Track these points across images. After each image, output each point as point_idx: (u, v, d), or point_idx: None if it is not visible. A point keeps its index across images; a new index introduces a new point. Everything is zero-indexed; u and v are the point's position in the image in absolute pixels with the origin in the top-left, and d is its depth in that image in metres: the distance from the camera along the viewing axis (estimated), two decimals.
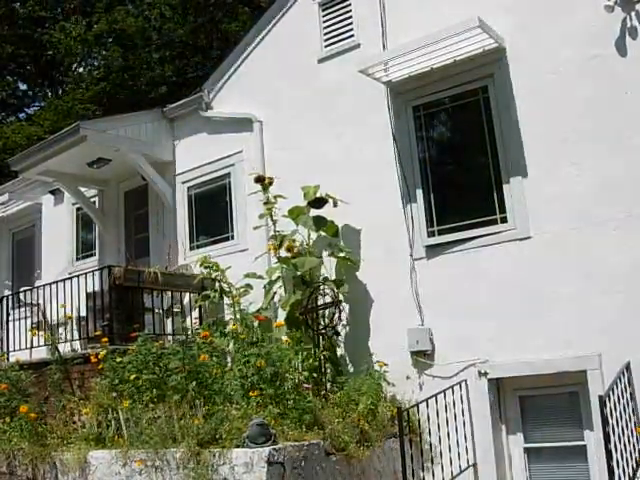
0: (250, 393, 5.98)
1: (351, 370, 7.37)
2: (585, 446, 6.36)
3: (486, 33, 6.84)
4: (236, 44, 9.95)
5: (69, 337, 8.40)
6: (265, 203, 8.11)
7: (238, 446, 5.41)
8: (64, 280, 8.30)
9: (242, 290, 8.24)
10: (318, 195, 7.88)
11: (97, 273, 7.97)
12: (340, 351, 7.60)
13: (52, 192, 11.88)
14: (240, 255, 8.92)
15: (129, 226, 10.84)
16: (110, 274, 7.77)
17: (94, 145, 9.19)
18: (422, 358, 7.19)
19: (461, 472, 6.50)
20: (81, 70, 23.44)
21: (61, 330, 8.64)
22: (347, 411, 6.52)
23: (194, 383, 6.22)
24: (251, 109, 9.19)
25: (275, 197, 8.10)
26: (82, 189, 10.79)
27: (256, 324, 7.61)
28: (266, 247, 8.36)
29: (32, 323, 9.03)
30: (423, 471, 6.58)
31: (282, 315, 7.77)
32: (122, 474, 5.97)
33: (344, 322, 7.68)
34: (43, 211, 12.18)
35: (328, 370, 7.37)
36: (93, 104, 20.40)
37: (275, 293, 7.97)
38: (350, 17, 8.46)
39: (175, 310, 8.57)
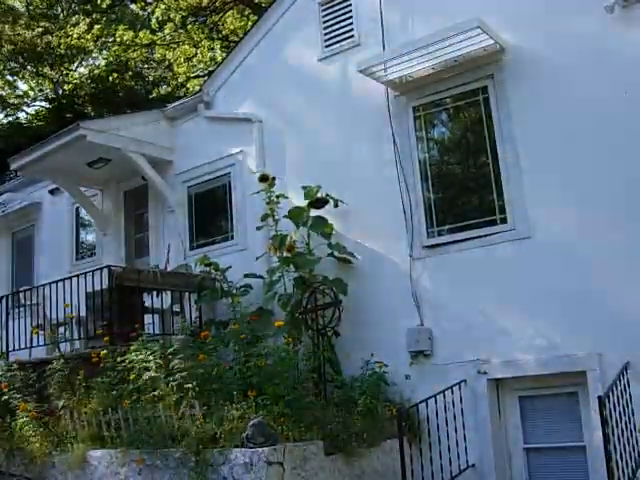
0: (250, 393, 5.98)
1: (350, 370, 7.36)
2: (584, 446, 6.35)
3: (486, 34, 6.84)
4: (236, 43, 9.94)
5: (69, 337, 8.41)
6: (268, 203, 8.12)
7: (238, 446, 5.42)
8: (64, 280, 8.30)
9: (242, 290, 8.24)
10: (319, 195, 7.88)
11: (97, 273, 7.96)
12: (339, 351, 7.59)
13: (51, 192, 11.87)
14: (240, 255, 8.93)
15: (129, 226, 10.83)
16: (110, 274, 7.77)
17: (94, 145, 9.18)
18: (421, 358, 7.20)
19: (460, 472, 6.50)
20: (82, 70, 23.47)
21: (61, 330, 8.64)
22: (347, 411, 6.52)
23: (194, 383, 6.22)
24: (251, 109, 9.19)
25: (277, 197, 8.11)
26: (82, 189, 10.78)
27: (256, 324, 7.61)
28: (266, 247, 8.36)
29: (32, 322, 9.02)
30: (422, 471, 6.57)
31: (282, 315, 7.77)
32: (122, 473, 5.98)
33: (343, 322, 7.68)
34: (42, 211, 12.18)
35: (327, 370, 7.36)
36: (93, 104, 20.41)
37: (275, 293, 7.97)
38: (350, 17, 8.46)
39: (175, 310, 8.57)
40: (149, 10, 22.01)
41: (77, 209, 11.55)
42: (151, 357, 6.39)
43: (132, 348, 6.59)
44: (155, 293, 8.52)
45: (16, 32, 21.53)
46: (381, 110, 7.88)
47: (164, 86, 22.73)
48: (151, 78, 22.64)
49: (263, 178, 8.28)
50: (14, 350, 8.62)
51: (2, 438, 6.96)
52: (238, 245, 9.10)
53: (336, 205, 7.87)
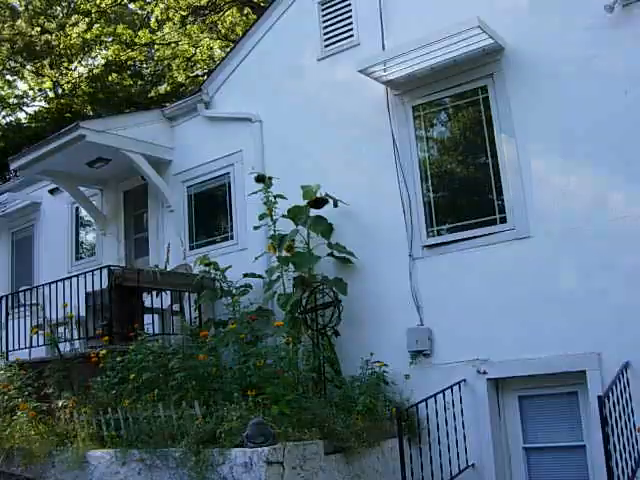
0: (249, 392, 5.98)
1: (350, 370, 7.36)
2: (584, 446, 6.36)
3: (485, 33, 6.83)
4: (236, 43, 9.94)
5: (69, 336, 8.40)
6: (265, 203, 8.12)
7: (237, 446, 5.42)
8: (63, 280, 8.29)
9: (242, 289, 8.24)
10: (318, 195, 7.88)
11: (97, 273, 7.96)
12: (339, 351, 7.59)
13: (51, 191, 11.87)
14: (240, 255, 8.92)
15: (128, 226, 10.83)
16: (109, 274, 7.76)
17: (93, 144, 9.18)
18: (421, 358, 7.20)
19: (460, 472, 6.51)
20: (81, 69, 23.46)
21: (61, 329, 8.63)
22: (347, 411, 6.52)
23: (193, 382, 6.22)
24: (251, 108, 9.19)
25: (275, 197, 8.10)
26: (81, 188, 10.78)
27: (255, 324, 7.61)
28: (266, 247, 8.36)
29: (32, 322, 9.01)
30: (422, 471, 6.57)
31: (282, 315, 7.77)
32: (121, 473, 5.97)
33: (343, 322, 7.67)
34: (42, 210, 12.18)
35: (327, 370, 7.36)
36: (92, 103, 20.41)
37: (275, 293, 7.97)
38: (350, 16, 8.46)
39: (174, 310, 8.57)
40: (148, 10, 22.01)
41: (77, 209, 11.55)
42: (150, 357, 6.39)
43: (132, 348, 6.59)
44: (155, 293, 8.51)
45: (15, 31, 21.52)
46: (381, 110, 7.88)
47: (163, 86, 22.72)
48: (150, 78, 22.63)
49: (259, 179, 8.28)
50: (14, 350, 8.61)
51: (2, 438, 6.94)
52: (238, 245, 9.10)
53: (335, 205, 7.87)
